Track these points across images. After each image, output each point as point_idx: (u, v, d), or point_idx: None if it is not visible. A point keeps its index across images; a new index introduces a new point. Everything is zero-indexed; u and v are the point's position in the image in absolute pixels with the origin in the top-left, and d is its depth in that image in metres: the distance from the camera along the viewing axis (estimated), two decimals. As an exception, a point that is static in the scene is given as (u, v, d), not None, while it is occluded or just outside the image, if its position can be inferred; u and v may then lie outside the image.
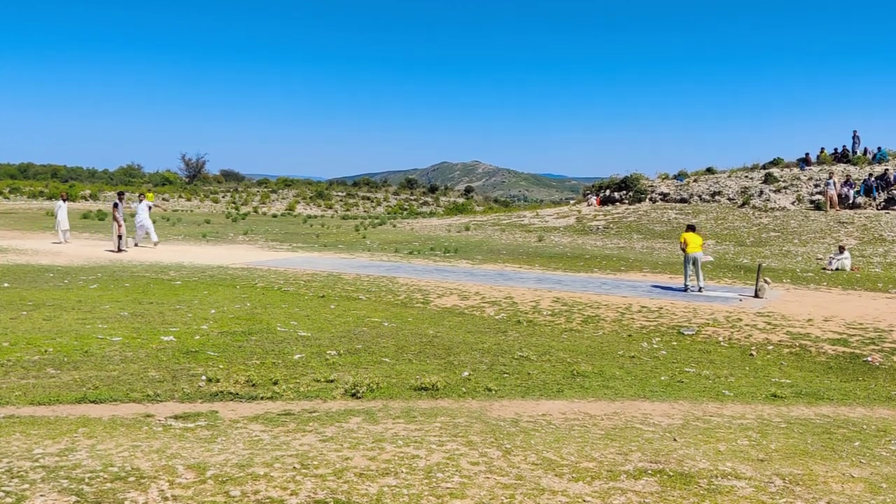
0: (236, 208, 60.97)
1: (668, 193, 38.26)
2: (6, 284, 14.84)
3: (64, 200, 26.49)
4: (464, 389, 8.22)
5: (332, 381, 8.20)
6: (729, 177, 38.54)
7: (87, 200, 61.95)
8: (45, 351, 9.05)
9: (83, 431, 5.98)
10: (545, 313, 13.56)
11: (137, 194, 32.83)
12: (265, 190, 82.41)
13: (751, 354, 10.93)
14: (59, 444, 5.60)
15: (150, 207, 26.33)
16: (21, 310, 11.93)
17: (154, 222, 26.17)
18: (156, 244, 25.00)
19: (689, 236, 16.47)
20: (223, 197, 74.21)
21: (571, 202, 49.44)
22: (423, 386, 8.15)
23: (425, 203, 79.30)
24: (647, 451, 6.11)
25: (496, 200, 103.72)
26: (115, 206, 23.56)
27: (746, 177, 37.66)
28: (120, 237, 23.32)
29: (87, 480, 4.79)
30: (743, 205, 34.01)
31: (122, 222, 23.35)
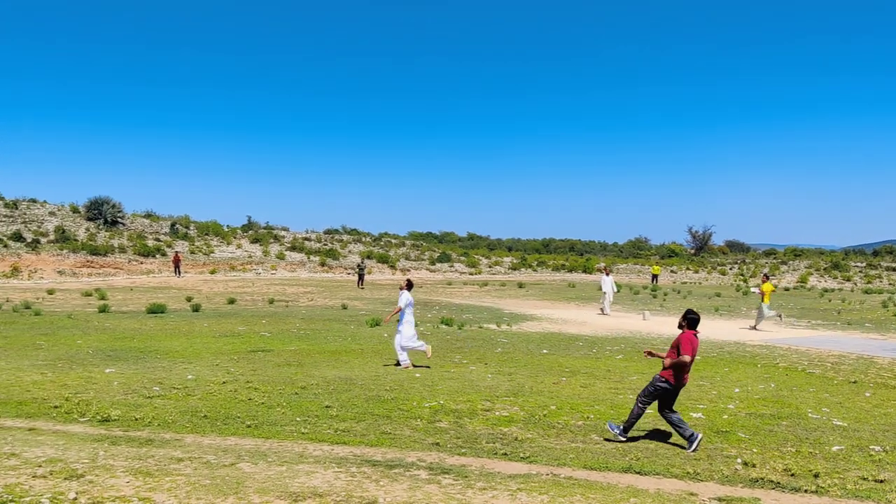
0: (744, 280, 59.60)
1: None
2: (545, 350, 16.75)
3: (607, 275, 28.61)
4: None
5: (881, 482, 7.43)
6: None
7: (600, 273, 66.63)
8: (587, 417, 9.96)
9: (634, 502, 6.41)
10: None
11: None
12: (773, 261, 79.18)
13: None
14: (616, 510, 6.10)
15: None
16: (561, 375, 13.35)
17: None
18: None
19: None
20: (730, 269, 73.28)
21: None
22: None
23: (972, 274, 67.41)
24: None
25: None
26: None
27: None
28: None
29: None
30: None
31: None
